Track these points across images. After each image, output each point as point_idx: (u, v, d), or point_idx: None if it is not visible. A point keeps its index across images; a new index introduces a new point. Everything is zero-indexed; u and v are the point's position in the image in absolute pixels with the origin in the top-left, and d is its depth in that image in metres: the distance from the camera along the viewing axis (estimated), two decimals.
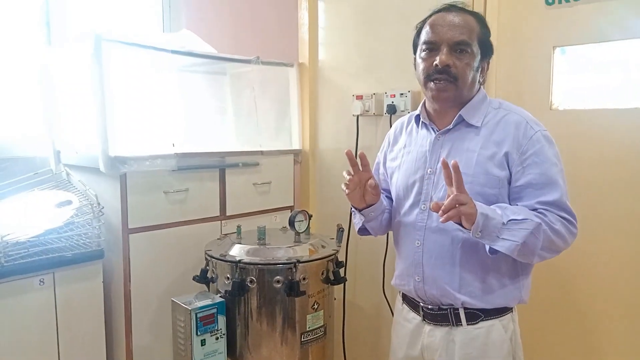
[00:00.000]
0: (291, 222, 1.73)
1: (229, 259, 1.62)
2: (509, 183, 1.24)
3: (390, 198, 1.48)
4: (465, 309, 1.28)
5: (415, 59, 1.35)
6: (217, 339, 1.58)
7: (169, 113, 1.95)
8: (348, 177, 1.33)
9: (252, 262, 1.60)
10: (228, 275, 1.62)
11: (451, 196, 1.12)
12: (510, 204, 1.23)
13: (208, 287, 1.73)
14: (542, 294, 1.64)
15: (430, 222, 1.30)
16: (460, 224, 1.16)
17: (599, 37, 1.57)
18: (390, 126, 1.59)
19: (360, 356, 2.24)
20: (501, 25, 1.75)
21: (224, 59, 2.14)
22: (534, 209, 1.20)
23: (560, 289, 1.70)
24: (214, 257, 1.66)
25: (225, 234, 1.92)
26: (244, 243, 1.72)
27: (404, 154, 1.41)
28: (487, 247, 1.20)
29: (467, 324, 1.28)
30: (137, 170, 1.74)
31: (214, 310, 1.57)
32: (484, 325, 1.27)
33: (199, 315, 1.53)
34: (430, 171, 1.32)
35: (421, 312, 1.36)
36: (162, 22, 2.71)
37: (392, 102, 1.97)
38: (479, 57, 1.27)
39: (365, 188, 1.34)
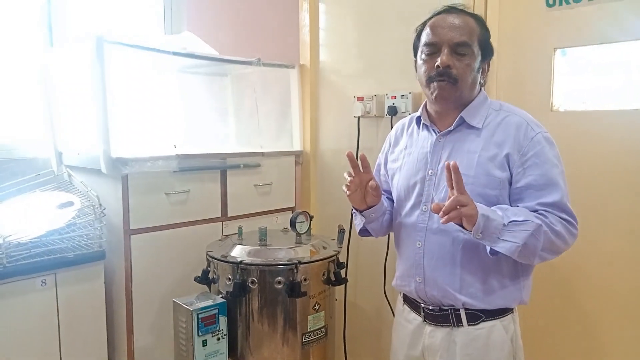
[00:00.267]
0: (292, 223, 1.73)
1: (231, 260, 1.62)
2: (510, 184, 1.25)
3: (391, 199, 1.48)
4: (466, 309, 1.28)
5: (415, 61, 1.35)
6: (218, 339, 1.58)
7: (170, 114, 1.96)
8: (349, 179, 1.33)
9: (254, 263, 1.60)
10: (229, 276, 1.62)
11: (452, 197, 1.12)
12: (511, 205, 1.24)
13: (209, 288, 1.73)
14: (542, 294, 1.65)
15: (431, 223, 1.30)
16: (461, 225, 1.16)
17: (600, 39, 1.58)
18: (391, 127, 1.59)
19: (361, 357, 2.24)
20: (502, 27, 1.75)
21: (225, 60, 2.14)
22: (535, 210, 1.20)
23: (560, 290, 1.70)
24: (215, 258, 1.66)
25: (227, 235, 1.92)
26: (245, 244, 1.73)
27: (405, 156, 1.42)
28: (488, 248, 1.20)
29: (468, 325, 1.28)
30: (139, 172, 1.74)
31: (215, 311, 1.57)
32: (484, 326, 1.28)
33: (200, 316, 1.53)
34: (431, 172, 1.32)
35: (422, 313, 1.36)
36: (164, 23, 2.71)
37: (393, 104, 1.97)
38: (479, 58, 1.27)
39: (366, 189, 1.34)
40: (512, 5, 1.74)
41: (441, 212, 1.12)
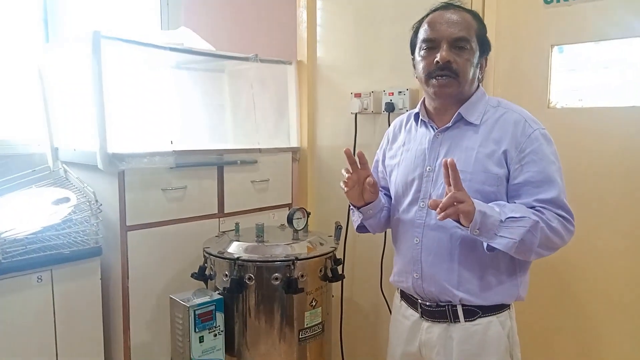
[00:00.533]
0: (289, 220, 1.73)
1: (227, 256, 1.62)
2: (507, 181, 1.25)
3: (388, 196, 1.49)
4: (463, 305, 1.28)
5: (413, 58, 1.35)
6: (215, 335, 1.58)
7: (167, 110, 1.95)
8: (347, 175, 1.33)
9: (251, 260, 1.60)
10: (226, 273, 1.62)
11: (449, 194, 1.12)
12: (508, 202, 1.24)
13: (206, 284, 1.73)
14: (539, 291, 1.65)
15: (428, 219, 1.31)
16: (459, 222, 1.16)
17: (597, 36, 1.58)
18: (389, 124, 1.59)
19: (358, 353, 2.25)
20: (499, 23, 1.76)
21: (222, 56, 2.14)
22: (532, 207, 1.20)
23: (557, 286, 1.71)
24: (212, 255, 1.66)
25: (224, 232, 1.92)
26: (242, 240, 1.72)
27: (403, 152, 1.42)
28: (485, 245, 1.20)
29: (465, 321, 1.29)
30: (135, 168, 1.74)
31: (212, 307, 1.57)
32: (481, 321, 1.28)
33: (197, 312, 1.53)
34: (429, 169, 1.32)
35: (419, 309, 1.36)
36: (160, 19, 2.70)
37: (391, 100, 1.97)
38: (477, 54, 1.28)
39: (364, 186, 1.34)
40: (510, 2, 1.74)
41: (438, 209, 1.12)
